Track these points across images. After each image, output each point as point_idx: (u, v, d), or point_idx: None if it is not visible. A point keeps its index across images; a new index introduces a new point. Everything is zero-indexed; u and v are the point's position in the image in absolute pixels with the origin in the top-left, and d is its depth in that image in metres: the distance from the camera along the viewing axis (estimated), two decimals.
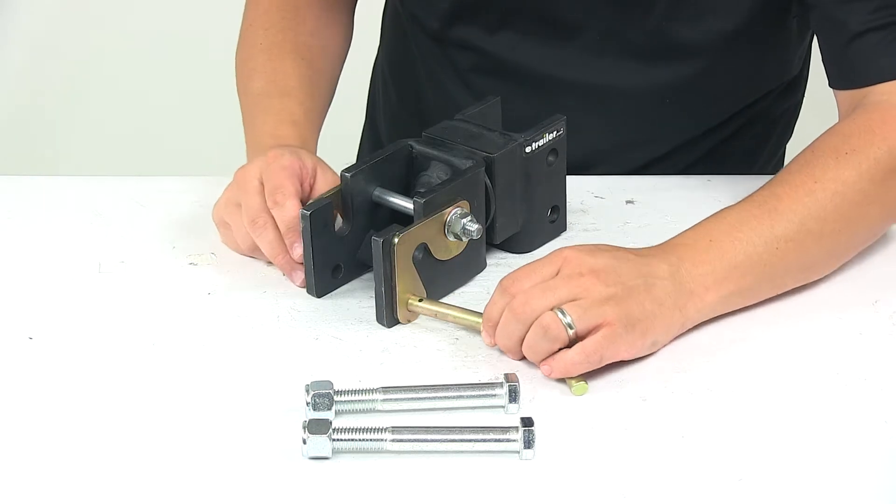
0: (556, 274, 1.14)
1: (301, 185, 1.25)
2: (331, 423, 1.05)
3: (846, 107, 1.29)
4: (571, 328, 1.11)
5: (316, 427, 1.04)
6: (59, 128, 2.90)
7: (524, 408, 1.10)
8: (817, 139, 1.26)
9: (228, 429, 1.08)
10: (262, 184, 1.25)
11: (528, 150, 1.26)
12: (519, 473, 1.04)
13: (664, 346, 1.16)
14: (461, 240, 1.22)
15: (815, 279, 1.23)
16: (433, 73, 1.51)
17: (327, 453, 1.04)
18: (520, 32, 1.41)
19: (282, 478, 1.03)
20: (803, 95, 1.56)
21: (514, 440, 1.05)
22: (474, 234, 1.21)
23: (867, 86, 1.27)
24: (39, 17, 2.85)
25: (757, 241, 1.18)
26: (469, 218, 1.21)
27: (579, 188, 1.39)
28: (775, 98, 1.50)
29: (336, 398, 1.09)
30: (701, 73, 1.40)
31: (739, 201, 1.22)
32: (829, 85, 1.31)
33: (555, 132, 1.28)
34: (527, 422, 1.05)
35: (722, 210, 1.21)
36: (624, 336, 1.12)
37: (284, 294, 1.25)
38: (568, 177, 1.31)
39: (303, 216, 1.20)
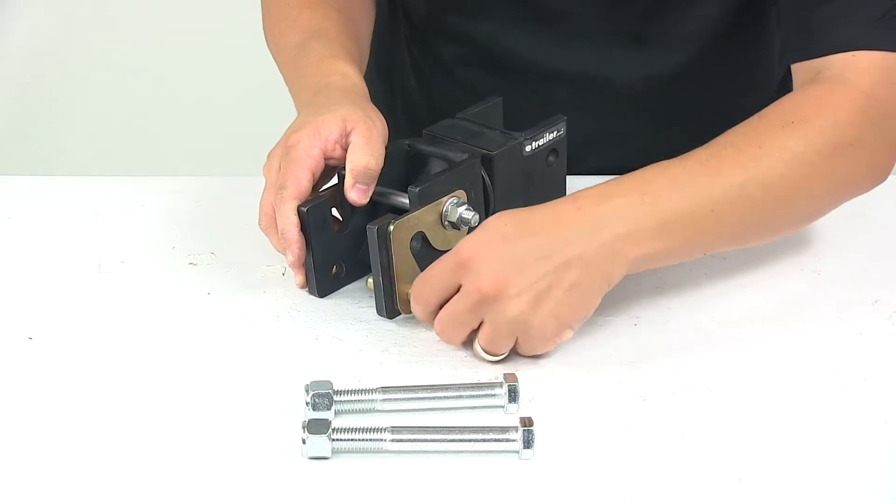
0: (459, 287, 1.12)
1: (328, 158, 1.21)
2: (330, 423, 1.05)
3: (800, 84, 1.26)
4: (495, 356, 1.14)
5: (315, 427, 1.04)
6: (59, 128, 2.90)
7: (524, 408, 1.10)
8: (766, 108, 1.22)
9: (228, 429, 1.08)
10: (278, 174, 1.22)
11: (527, 149, 1.26)
12: (518, 473, 1.04)
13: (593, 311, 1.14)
14: (459, 229, 1.22)
15: (747, 247, 1.20)
16: (418, 67, 1.50)
17: (327, 453, 1.04)
18: (505, 19, 1.41)
19: (282, 478, 1.03)
20: None
21: (514, 440, 1.05)
22: (472, 221, 1.20)
23: (822, 55, 1.23)
24: (39, 17, 2.85)
25: (693, 201, 1.14)
26: (465, 206, 1.20)
27: (579, 188, 1.38)
28: (760, 106, 1.50)
29: (336, 398, 1.09)
30: (690, 65, 1.40)
31: (682, 156, 1.17)
32: (787, 61, 1.27)
33: (555, 132, 1.28)
34: (526, 422, 1.05)
35: (664, 162, 1.17)
36: (549, 339, 1.13)
37: (284, 294, 1.25)
38: (567, 176, 1.31)
39: (299, 212, 1.19)
